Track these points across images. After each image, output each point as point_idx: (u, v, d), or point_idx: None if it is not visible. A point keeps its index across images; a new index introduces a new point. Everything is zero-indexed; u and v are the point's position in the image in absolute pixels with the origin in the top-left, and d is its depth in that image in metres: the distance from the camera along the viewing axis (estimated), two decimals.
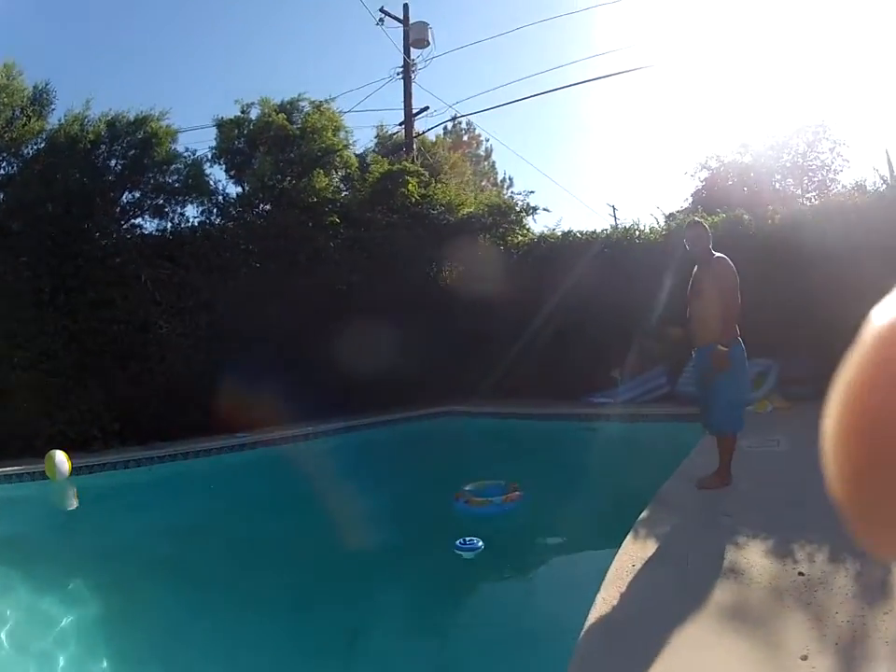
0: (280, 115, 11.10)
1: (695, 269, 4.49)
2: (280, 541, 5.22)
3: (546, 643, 2.98)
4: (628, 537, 3.44)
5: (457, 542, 4.18)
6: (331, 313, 9.98)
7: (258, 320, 9.41)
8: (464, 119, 24.45)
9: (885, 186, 8.09)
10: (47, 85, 9.47)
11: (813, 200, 8.45)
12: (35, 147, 9.27)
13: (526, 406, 9.39)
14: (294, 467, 7.92)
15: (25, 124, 9.03)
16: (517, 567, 4.51)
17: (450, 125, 24.32)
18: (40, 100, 9.43)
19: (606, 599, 2.73)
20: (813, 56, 19.50)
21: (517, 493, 5.13)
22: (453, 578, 4.24)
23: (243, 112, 11.31)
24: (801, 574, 2.81)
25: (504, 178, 25.75)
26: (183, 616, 3.71)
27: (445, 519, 5.20)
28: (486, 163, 25.92)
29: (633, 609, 2.68)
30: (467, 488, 5.30)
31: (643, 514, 3.79)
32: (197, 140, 14.21)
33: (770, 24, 17.55)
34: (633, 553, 3.21)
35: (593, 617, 2.57)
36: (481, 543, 4.16)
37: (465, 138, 25.16)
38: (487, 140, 25.12)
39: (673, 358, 8.67)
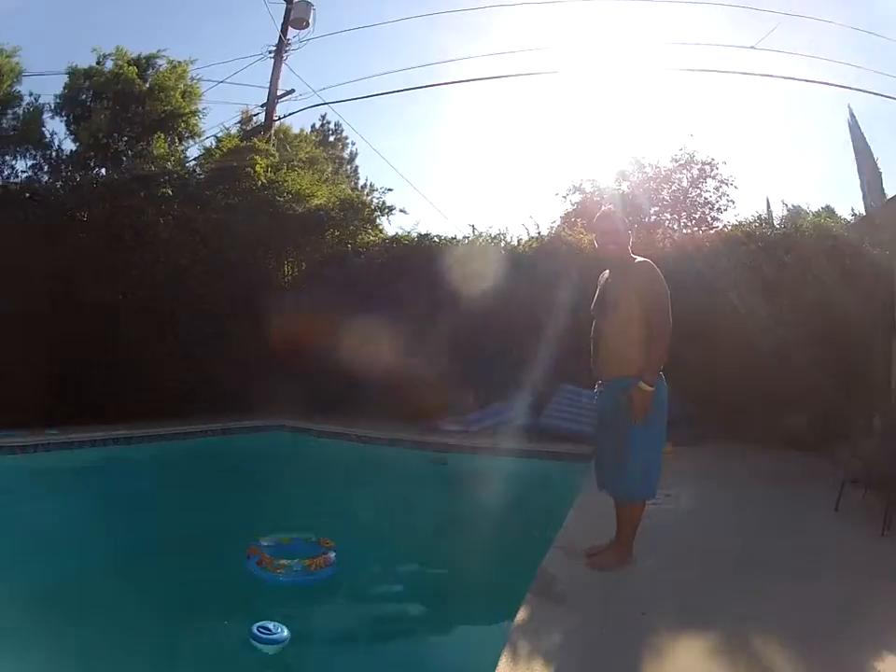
0: (132, 68, 10.28)
1: (605, 276, 3.36)
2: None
3: None
4: (502, 660, 2.21)
5: (253, 629, 2.74)
6: (152, 301, 8.83)
7: (71, 299, 8.23)
8: (333, 120, 23.26)
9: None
10: None
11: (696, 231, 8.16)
12: None
13: (369, 427, 7.83)
14: (48, 488, 5.89)
15: None
16: None
17: (318, 123, 23.15)
18: None
19: None
20: (707, 94, 19.85)
21: (329, 556, 3.70)
22: None
23: (98, 63, 10.42)
24: None
25: (365, 184, 24.48)
26: None
27: (242, 583, 3.59)
28: (349, 167, 24.67)
29: None
30: (264, 542, 3.84)
31: (520, 614, 2.58)
32: (51, 90, 11.62)
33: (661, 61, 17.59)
34: None
35: None
36: (286, 633, 2.76)
37: (331, 139, 23.89)
38: (353, 143, 23.92)
39: (533, 389, 7.75)
